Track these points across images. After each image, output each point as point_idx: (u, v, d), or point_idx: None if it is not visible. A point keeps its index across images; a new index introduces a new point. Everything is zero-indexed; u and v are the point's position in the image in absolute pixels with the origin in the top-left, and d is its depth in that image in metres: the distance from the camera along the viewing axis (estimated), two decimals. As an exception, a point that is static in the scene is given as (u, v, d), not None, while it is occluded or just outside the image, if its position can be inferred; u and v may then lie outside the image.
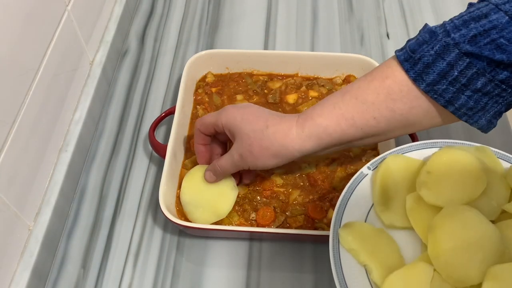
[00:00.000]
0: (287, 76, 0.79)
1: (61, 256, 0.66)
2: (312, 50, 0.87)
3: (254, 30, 0.91)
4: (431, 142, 0.57)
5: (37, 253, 0.60)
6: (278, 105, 0.75)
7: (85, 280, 0.64)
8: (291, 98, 0.76)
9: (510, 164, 0.54)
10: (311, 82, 0.78)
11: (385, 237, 0.51)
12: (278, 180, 0.67)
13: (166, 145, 0.67)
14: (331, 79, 0.78)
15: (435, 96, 0.51)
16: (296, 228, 0.63)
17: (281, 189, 0.67)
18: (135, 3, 0.94)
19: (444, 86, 0.50)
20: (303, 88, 0.77)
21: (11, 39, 0.55)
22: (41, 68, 0.62)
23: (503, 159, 0.54)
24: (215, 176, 0.63)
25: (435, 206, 0.50)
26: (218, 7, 0.95)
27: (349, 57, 0.78)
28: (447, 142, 0.56)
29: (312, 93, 0.76)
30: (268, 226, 0.64)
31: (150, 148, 0.73)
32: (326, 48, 0.88)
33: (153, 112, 0.80)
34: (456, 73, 0.49)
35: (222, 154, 0.64)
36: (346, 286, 0.48)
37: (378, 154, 0.68)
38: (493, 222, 0.49)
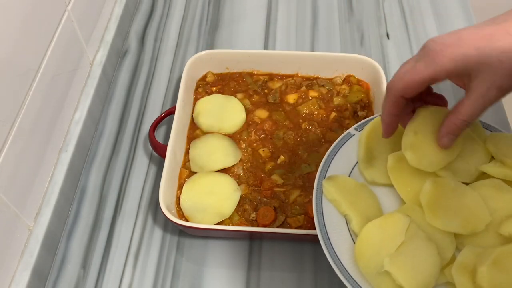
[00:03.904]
0: (287, 76, 0.79)
1: (61, 256, 0.66)
2: (312, 50, 0.87)
3: (254, 30, 0.91)
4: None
5: (37, 253, 0.60)
6: (278, 105, 0.75)
7: (85, 280, 0.64)
8: (291, 98, 0.76)
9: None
10: (311, 82, 0.78)
11: (366, 191, 0.54)
12: (278, 180, 0.67)
13: (166, 145, 0.67)
14: (331, 79, 0.78)
15: None
16: (296, 228, 0.63)
17: (281, 189, 0.67)
18: (135, 3, 0.94)
19: None
20: (303, 88, 0.77)
21: (11, 39, 0.55)
22: (41, 68, 0.62)
23: (486, 128, 0.57)
24: (456, 135, 0.50)
25: (413, 166, 0.53)
26: (218, 7, 0.95)
27: (349, 57, 0.78)
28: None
29: (312, 93, 0.76)
30: (268, 226, 0.64)
31: (150, 148, 0.73)
32: (326, 48, 0.88)
33: (153, 112, 0.80)
34: None
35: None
36: (327, 233, 0.50)
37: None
38: (468, 184, 0.53)
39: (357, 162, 0.57)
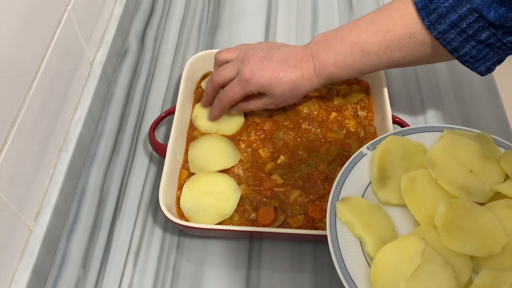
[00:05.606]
0: (287, 76, 0.79)
1: (61, 256, 0.66)
2: (312, 50, 0.87)
3: (254, 30, 0.91)
4: (429, 127, 0.59)
5: (37, 253, 0.61)
6: (278, 105, 0.75)
7: (85, 280, 0.64)
8: (291, 98, 0.76)
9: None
10: (311, 82, 0.78)
11: (380, 212, 0.54)
12: (278, 180, 0.67)
13: (166, 145, 0.67)
14: (331, 79, 0.78)
15: (444, 43, 0.58)
16: (296, 228, 0.63)
17: (281, 189, 0.67)
18: (135, 3, 0.94)
19: (453, 36, 0.57)
20: (303, 88, 0.77)
21: (11, 39, 0.55)
22: (41, 68, 0.62)
23: (500, 146, 0.57)
24: (238, 112, 0.73)
25: (427, 187, 0.53)
26: (218, 7, 0.95)
27: (349, 57, 0.78)
28: (445, 127, 0.59)
29: (312, 93, 0.76)
30: (268, 226, 0.64)
31: (150, 148, 0.73)
32: (326, 48, 0.88)
33: (153, 112, 0.80)
34: (464, 25, 0.56)
35: None
36: (341, 256, 0.50)
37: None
38: (483, 204, 0.52)
39: (370, 182, 0.56)
